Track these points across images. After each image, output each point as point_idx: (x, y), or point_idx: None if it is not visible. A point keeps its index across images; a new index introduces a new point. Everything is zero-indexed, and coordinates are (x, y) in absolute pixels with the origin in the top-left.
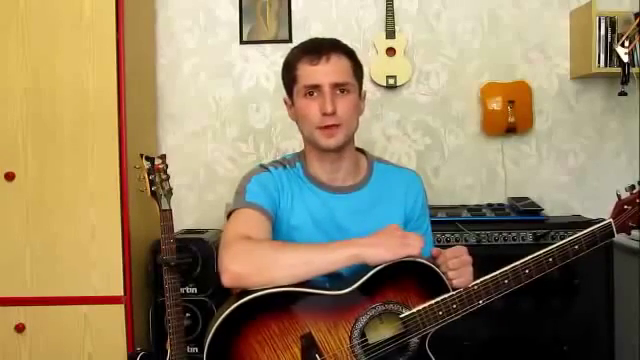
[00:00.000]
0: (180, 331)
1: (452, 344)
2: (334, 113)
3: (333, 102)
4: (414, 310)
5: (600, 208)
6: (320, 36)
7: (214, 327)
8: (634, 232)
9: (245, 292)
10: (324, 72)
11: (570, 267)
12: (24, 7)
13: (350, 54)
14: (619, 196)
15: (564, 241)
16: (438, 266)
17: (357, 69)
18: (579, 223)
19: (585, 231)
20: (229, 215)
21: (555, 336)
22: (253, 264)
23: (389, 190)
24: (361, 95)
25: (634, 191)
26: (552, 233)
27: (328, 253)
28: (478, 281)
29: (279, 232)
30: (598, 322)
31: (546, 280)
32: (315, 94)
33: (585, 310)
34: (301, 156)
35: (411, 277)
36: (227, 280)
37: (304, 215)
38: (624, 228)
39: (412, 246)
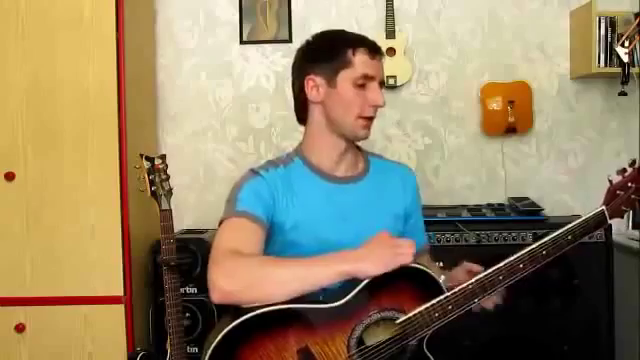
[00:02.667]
0: (180, 331)
1: (452, 344)
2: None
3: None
4: (410, 315)
5: None
6: None
7: (209, 350)
8: (634, 232)
9: (239, 311)
10: (378, 68)
11: (570, 267)
12: (24, 7)
13: None
14: (610, 181)
15: (557, 233)
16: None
17: None
18: None
19: (578, 221)
20: (220, 223)
21: (555, 336)
22: (243, 281)
23: (387, 183)
24: None
25: (626, 174)
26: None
27: (319, 269)
28: (473, 280)
29: (280, 234)
30: (598, 322)
31: (546, 280)
32: (364, 85)
33: (585, 310)
34: (300, 150)
35: (405, 281)
36: (216, 297)
37: (303, 212)
38: (617, 212)
39: (404, 255)
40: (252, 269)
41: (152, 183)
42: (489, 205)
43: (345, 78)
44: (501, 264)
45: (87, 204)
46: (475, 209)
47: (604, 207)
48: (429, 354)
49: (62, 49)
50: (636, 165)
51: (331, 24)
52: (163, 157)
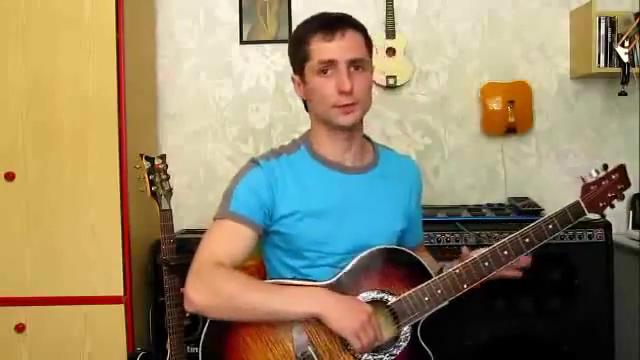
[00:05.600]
0: (180, 331)
1: (453, 344)
2: (351, 91)
3: (350, 79)
4: (400, 297)
5: None
6: None
7: (206, 324)
8: (634, 232)
9: None
10: (340, 48)
11: (570, 267)
12: (24, 7)
13: (363, 29)
14: (583, 179)
15: (538, 221)
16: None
17: (369, 45)
18: (579, 223)
19: (557, 211)
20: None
21: (555, 336)
22: (215, 300)
23: (396, 175)
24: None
25: (598, 175)
26: None
27: (293, 305)
28: (460, 264)
29: (282, 224)
30: (598, 322)
31: (546, 280)
32: (329, 72)
33: (585, 310)
34: (306, 137)
35: (396, 267)
36: (189, 307)
37: (308, 200)
38: (595, 207)
39: (364, 337)
40: (227, 289)
41: (152, 183)
42: (489, 205)
43: (309, 70)
44: (486, 250)
45: (87, 204)
46: (475, 209)
47: (579, 199)
48: (424, 345)
49: (62, 49)
50: (609, 169)
51: None
52: (163, 157)
